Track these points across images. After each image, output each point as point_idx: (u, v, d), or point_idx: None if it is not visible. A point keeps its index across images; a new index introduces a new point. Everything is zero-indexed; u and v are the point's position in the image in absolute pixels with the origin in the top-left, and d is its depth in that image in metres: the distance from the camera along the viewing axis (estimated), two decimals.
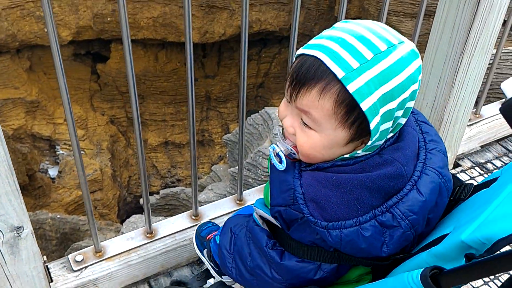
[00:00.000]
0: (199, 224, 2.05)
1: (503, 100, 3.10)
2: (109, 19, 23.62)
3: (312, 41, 1.13)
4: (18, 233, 1.62)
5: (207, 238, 1.89)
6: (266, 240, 1.31)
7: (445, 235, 1.04)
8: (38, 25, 23.16)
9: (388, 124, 1.12)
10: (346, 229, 1.12)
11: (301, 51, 1.13)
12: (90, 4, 23.46)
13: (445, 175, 1.18)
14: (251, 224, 1.41)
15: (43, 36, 23.44)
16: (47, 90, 24.59)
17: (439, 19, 2.21)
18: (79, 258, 1.98)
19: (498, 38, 2.36)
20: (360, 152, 1.16)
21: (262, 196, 1.47)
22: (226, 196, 2.45)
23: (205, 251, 1.87)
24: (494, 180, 1.14)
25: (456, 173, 2.90)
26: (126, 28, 1.55)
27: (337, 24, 1.15)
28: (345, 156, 1.17)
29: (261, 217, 1.36)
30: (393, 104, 1.09)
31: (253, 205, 1.41)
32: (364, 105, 1.06)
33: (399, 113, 1.13)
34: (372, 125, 1.09)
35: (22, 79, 23.54)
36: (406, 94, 1.11)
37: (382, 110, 1.08)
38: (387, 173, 1.12)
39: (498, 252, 0.84)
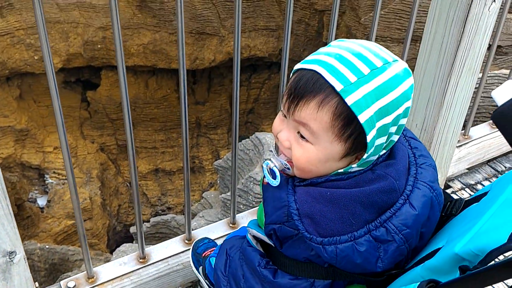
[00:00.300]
0: (196, 240, 2.05)
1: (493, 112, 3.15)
2: (99, 46, 23.74)
3: (310, 57, 1.16)
4: (10, 258, 1.60)
5: (203, 255, 1.88)
6: (258, 260, 1.32)
7: (438, 249, 1.05)
8: (28, 53, 23.21)
9: (383, 139, 1.14)
10: (342, 244, 1.12)
11: (298, 66, 1.16)
12: (81, 31, 23.60)
13: (436, 189, 1.20)
14: (244, 245, 1.41)
15: (33, 64, 23.47)
16: (36, 118, 24.51)
17: (427, 40, 2.25)
18: (71, 284, 1.96)
19: (483, 62, 2.42)
20: (354, 167, 1.18)
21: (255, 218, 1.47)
22: None
23: (200, 268, 1.86)
24: (484, 194, 1.16)
25: None
26: (121, 57, 1.56)
27: (333, 42, 1.18)
28: (339, 171, 1.19)
29: (254, 237, 1.36)
30: (388, 119, 1.12)
31: (246, 226, 1.41)
32: (362, 118, 1.09)
33: (393, 129, 1.15)
34: (368, 138, 1.11)
35: (11, 107, 23.46)
36: (400, 110, 1.14)
37: (378, 124, 1.11)
38: (381, 187, 1.14)
39: (492, 262, 0.85)
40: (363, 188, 1.14)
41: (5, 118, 22.89)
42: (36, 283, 1.81)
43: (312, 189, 1.18)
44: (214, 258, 1.54)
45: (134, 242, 12.18)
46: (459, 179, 3.02)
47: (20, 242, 1.62)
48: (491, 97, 1.01)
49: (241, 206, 7.96)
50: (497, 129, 3.07)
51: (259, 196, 9.50)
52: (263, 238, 1.31)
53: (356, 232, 1.12)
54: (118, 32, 1.54)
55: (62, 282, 1.97)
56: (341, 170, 1.19)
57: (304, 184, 1.20)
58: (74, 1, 23.27)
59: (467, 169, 3.07)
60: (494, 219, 0.93)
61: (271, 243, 1.29)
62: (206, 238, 2.05)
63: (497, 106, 1.00)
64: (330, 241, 1.13)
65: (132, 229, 13.87)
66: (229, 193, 9.89)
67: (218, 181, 10.59)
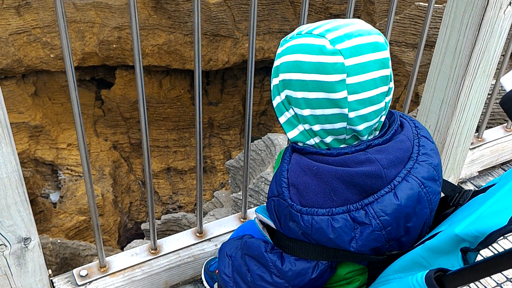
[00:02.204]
0: (206, 261, 2.09)
1: (505, 124, 3.14)
2: (114, 46, 23.93)
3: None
4: (25, 245, 1.63)
5: (216, 271, 1.93)
6: (264, 246, 1.34)
7: (440, 232, 1.06)
8: (44, 51, 23.45)
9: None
10: (318, 216, 1.18)
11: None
12: (96, 31, 23.80)
13: (429, 186, 1.21)
14: (245, 238, 1.45)
15: (49, 62, 23.72)
16: (51, 115, 24.76)
17: (441, 42, 2.26)
18: (83, 273, 1.99)
19: (497, 68, 2.41)
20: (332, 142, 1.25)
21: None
22: None
23: (216, 285, 1.91)
24: (492, 186, 1.17)
25: None
26: (139, 57, 1.59)
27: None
28: (331, 145, 1.25)
29: (261, 222, 1.39)
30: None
31: (255, 211, 1.43)
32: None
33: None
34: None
35: (26, 104, 23.72)
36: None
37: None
38: (366, 171, 1.17)
39: (501, 250, 0.86)
40: (349, 169, 1.18)
41: (20, 114, 23.15)
42: (49, 270, 1.84)
43: (303, 160, 1.24)
44: (217, 263, 1.57)
45: (145, 238, 12.27)
46: (471, 181, 3.01)
47: (35, 229, 1.65)
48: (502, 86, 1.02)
49: (252, 206, 7.99)
50: (511, 132, 3.06)
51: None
52: (268, 222, 1.34)
53: (335, 208, 1.17)
54: (137, 33, 1.57)
55: (74, 271, 2.00)
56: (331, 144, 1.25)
57: (299, 150, 1.26)
58: (91, 1, 23.50)
59: (480, 171, 3.06)
60: (497, 205, 0.94)
61: (275, 227, 1.32)
62: (216, 257, 2.09)
63: (505, 91, 1.01)
64: (308, 211, 1.19)
65: (143, 226, 13.95)
66: (240, 193, 9.92)
67: (230, 181, 10.63)
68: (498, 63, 2.36)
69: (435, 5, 2.35)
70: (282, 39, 1.30)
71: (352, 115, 1.18)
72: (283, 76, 1.23)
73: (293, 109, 1.24)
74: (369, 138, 1.26)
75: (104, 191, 22.72)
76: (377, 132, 1.27)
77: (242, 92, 26.39)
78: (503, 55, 2.61)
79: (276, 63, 1.27)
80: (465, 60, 2.20)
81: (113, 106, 25.36)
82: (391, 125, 1.29)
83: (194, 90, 1.80)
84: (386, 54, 1.20)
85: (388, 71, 1.21)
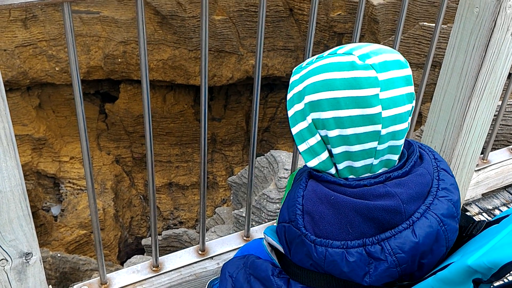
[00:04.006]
0: (210, 280, 2.06)
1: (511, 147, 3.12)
2: (119, 60, 24.08)
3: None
4: (26, 259, 1.61)
5: None
6: (271, 269, 1.32)
7: (452, 263, 1.04)
8: (50, 64, 23.61)
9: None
10: (332, 248, 1.14)
11: None
12: (102, 45, 23.97)
13: (448, 224, 1.17)
14: (251, 258, 1.42)
15: (54, 75, 23.87)
16: (54, 128, 24.83)
17: (448, 63, 2.26)
18: None
19: (503, 90, 2.41)
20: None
21: None
22: None
23: None
24: (505, 217, 1.15)
25: None
26: (146, 73, 1.59)
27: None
28: (349, 176, 1.21)
29: (269, 244, 1.37)
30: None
31: (263, 232, 1.41)
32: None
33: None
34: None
35: (30, 116, 23.81)
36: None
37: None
38: (385, 206, 1.14)
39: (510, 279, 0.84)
40: (367, 202, 1.14)
41: (24, 127, 23.23)
42: (50, 286, 1.82)
43: (320, 188, 1.20)
44: (218, 284, 1.54)
45: (145, 254, 12.20)
46: (476, 203, 2.99)
47: (37, 243, 1.64)
48: (511, 126, 1.01)
49: (254, 223, 7.95)
50: None
51: (271, 213, 9.52)
52: (277, 246, 1.31)
53: (350, 241, 1.13)
54: (144, 49, 1.57)
55: (75, 286, 1.98)
56: (351, 176, 1.21)
57: (317, 177, 1.23)
58: (97, 15, 23.72)
59: (485, 194, 3.04)
60: (510, 237, 0.92)
61: (284, 252, 1.29)
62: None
63: None
64: (322, 242, 1.15)
65: (144, 241, 13.88)
66: (242, 209, 9.89)
67: (231, 197, 10.59)
68: (505, 85, 2.36)
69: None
70: (296, 67, 1.26)
71: (384, 132, 1.15)
72: (309, 98, 1.18)
73: (319, 133, 1.19)
74: (388, 169, 1.22)
75: (106, 205, 22.67)
76: (396, 159, 1.22)
77: (245, 108, 26.47)
78: (509, 77, 2.61)
79: (298, 88, 1.21)
80: (471, 81, 2.20)
81: (116, 120, 25.44)
82: (409, 156, 1.26)
83: (200, 105, 1.79)
84: (409, 71, 1.19)
85: (412, 89, 1.19)
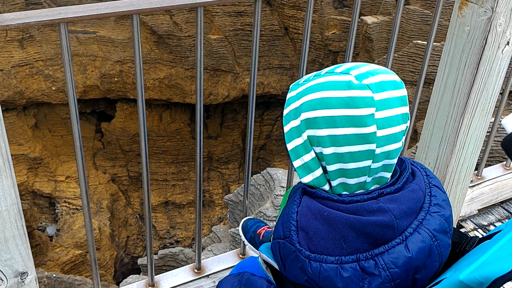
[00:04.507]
0: (243, 221, 2.14)
1: (504, 163, 3.15)
2: (116, 79, 24.16)
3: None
4: (22, 279, 1.61)
5: (258, 232, 2.01)
6: (267, 286, 1.32)
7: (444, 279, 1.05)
8: (46, 84, 23.66)
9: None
10: (327, 264, 1.15)
11: None
12: (98, 64, 24.07)
13: (440, 239, 1.18)
14: (247, 275, 1.43)
15: (50, 94, 23.90)
16: (50, 147, 24.79)
17: (440, 81, 2.28)
18: None
19: (496, 107, 2.44)
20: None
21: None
22: None
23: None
24: (498, 232, 1.16)
25: None
26: (142, 93, 1.61)
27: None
28: (342, 192, 1.22)
29: (264, 261, 1.37)
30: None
31: (258, 250, 1.42)
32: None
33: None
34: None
35: (26, 136, 23.78)
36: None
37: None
38: (378, 221, 1.15)
39: None
40: (361, 217, 1.15)
41: (20, 146, 23.18)
42: None
43: (314, 204, 1.21)
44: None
45: (141, 273, 12.11)
46: (471, 219, 3.00)
47: (33, 263, 1.64)
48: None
49: None
50: (510, 171, 3.06)
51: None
52: (272, 263, 1.32)
53: (344, 256, 1.14)
54: (140, 69, 1.59)
55: None
56: (344, 192, 1.22)
57: (311, 193, 1.24)
58: (94, 35, 23.85)
59: (479, 209, 3.05)
60: (501, 251, 0.93)
61: (279, 268, 1.30)
62: (250, 219, 2.15)
63: (507, 134, 1.02)
64: (316, 258, 1.16)
65: (140, 261, 13.78)
66: (238, 228, 9.80)
67: (228, 216, 10.55)
68: (497, 101, 2.39)
69: (433, 43, 2.39)
70: (293, 84, 1.28)
71: (378, 151, 1.17)
72: (306, 115, 1.19)
73: (314, 150, 1.21)
74: (381, 186, 1.23)
75: (101, 225, 22.54)
76: (388, 177, 1.24)
77: (241, 126, 26.52)
78: (501, 93, 2.64)
79: (295, 105, 1.23)
80: (463, 98, 2.22)
81: (113, 138, 25.43)
82: (402, 173, 1.27)
83: (196, 124, 1.81)
84: (404, 92, 1.21)
85: (407, 109, 1.21)
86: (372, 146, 1.16)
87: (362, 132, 1.15)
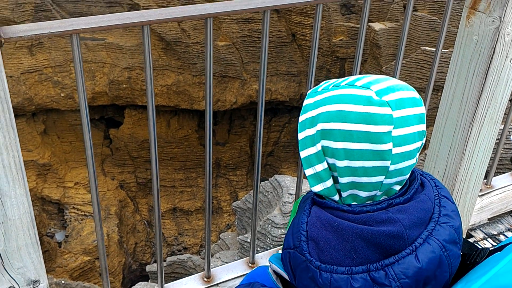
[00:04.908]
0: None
1: None
2: (124, 86, 24.28)
3: None
4: (34, 287, 1.62)
5: None
6: None
7: None
8: (55, 90, 23.82)
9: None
10: (337, 274, 1.15)
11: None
12: (107, 71, 24.21)
13: (450, 249, 1.19)
14: (257, 286, 1.44)
15: (59, 101, 24.06)
16: (59, 153, 24.92)
17: (448, 89, 2.29)
18: None
19: (505, 114, 2.43)
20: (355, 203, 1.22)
21: None
22: None
23: None
24: (509, 244, 1.17)
25: None
26: (152, 99, 1.63)
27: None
28: (351, 203, 1.23)
29: (274, 272, 1.38)
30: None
31: (268, 260, 1.43)
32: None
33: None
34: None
35: (36, 142, 23.92)
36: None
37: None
38: (388, 231, 1.16)
39: None
40: (370, 227, 1.16)
41: (29, 153, 23.32)
42: None
43: (323, 214, 1.22)
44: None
45: (149, 281, 12.12)
46: (481, 228, 2.99)
47: (45, 271, 1.65)
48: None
49: (258, 249, 7.91)
50: None
51: (276, 238, 9.47)
52: (282, 273, 1.32)
53: (355, 267, 1.15)
54: (151, 79, 1.61)
55: None
56: (353, 203, 1.23)
57: (320, 204, 1.25)
58: (102, 42, 24.01)
59: (489, 219, 3.04)
60: None
61: (289, 278, 1.31)
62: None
63: None
64: (327, 268, 1.16)
65: (148, 268, 13.79)
66: (246, 235, 9.83)
67: (236, 223, 10.55)
68: (506, 110, 2.38)
69: (441, 50, 2.40)
70: (311, 90, 1.28)
71: (392, 168, 1.17)
72: (322, 126, 1.19)
73: (327, 161, 1.21)
74: (390, 196, 1.24)
75: (110, 231, 22.59)
76: (398, 189, 1.24)
77: (249, 133, 26.54)
78: (510, 100, 2.63)
79: (312, 113, 1.23)
80: (472, 107, 2.22)
81: (121, 145, 25.52)
82: (411, 184, 1.28)
83: (205, 130, 1.82)
84: (423, 110, 1.21)
85: (424, 127, 1.21)
86: (387, 163, 1.16)
87: (378, 149, 1.15)
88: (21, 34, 1.38)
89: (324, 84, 1.27)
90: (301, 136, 1.25)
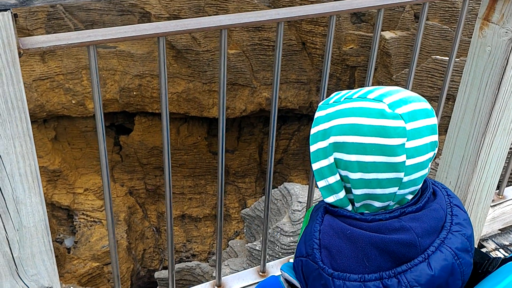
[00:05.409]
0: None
1: None
2: (135, 93, 24.43)
3: None
4: None
5: None
6: None
7: None
8: (67, 97, 24.01)
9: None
10: (350, 282, 1.16)
11: None
12: (118, 78, 24.38)
13: (462, 257, 1.19)
14: None
15: (70, 108, 24.24)
16: (69, 160, 25.07)
17: (461, 100, 2.28)
18: None
19: None
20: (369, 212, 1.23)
21: None
22: None
23: None
24: None
25: None
26: (166, 109, 1.64)
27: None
28: (364, 211, 1.24)
29: (286, 281, 1.38)
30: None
31: (280, 268, 1.43)
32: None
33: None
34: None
35: (46, 149, 24.09)
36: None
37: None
38: (400, 239, 1.16)
39: None
40: (383, 235, 1.17)
41: (40, 159, 23.48)
42: None
43: (336, 222, 1.23)
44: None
45: (158, 287, 12.13)
46: (493, 239, 2.97)
47: (58, 278, 1.67)
48: None
49: (267, 257, 7.90)
50: None
51: (285, 246, 9.46)
52: (294, 282, 1.33)
53: (367, 274, 1.15)
54: (165, 87, 1.63)
55: None
56: (366, 211, 1.23)
57: (333, 212, 1.26)
58: (113, 50, 24.20)
59: (501, 229, 3.02)
60: None
61: (301, 287, 1.31)
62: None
63: None
64: (340, 276, 1.17)
65: (157, 274, 13.81)
66: (255, 242, 9.83)
67: (245, 230, 10.54)
68: None
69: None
70: (322, 102, 1.29)
71: (406, 179, 1.18)
72: (335, 139, 1.20)
73: (339, 173, 1.22)
74: (402, 205, 1.25)
75: (118, 237, 22.65)
76: (409, 198, 1.25)
77: (258, 140, 26.56)
78: None
79: (324, 126, 1.23)
80: (485, 118, 2.22)
81: (131, 151, 25.63)
82: (423, 192, 1.28)
83: (218, 138, 1.84)
84: (435, 120, 1.22)
85: (436, 137, 1.22)
86: (400, 175, 1.17)
87: (392, 161, 1.16)
88: (40, 45, 1.41)
89: (335, 96, 1.27)
90: (313, 148, 1.26)
